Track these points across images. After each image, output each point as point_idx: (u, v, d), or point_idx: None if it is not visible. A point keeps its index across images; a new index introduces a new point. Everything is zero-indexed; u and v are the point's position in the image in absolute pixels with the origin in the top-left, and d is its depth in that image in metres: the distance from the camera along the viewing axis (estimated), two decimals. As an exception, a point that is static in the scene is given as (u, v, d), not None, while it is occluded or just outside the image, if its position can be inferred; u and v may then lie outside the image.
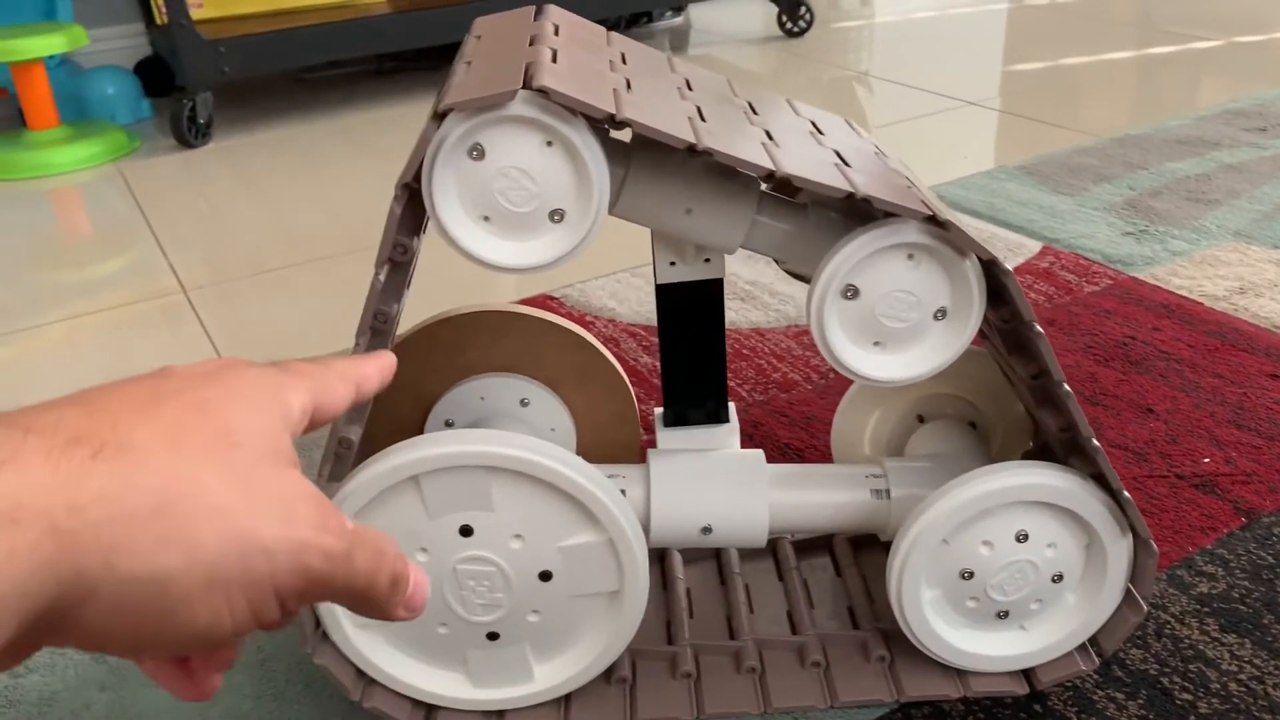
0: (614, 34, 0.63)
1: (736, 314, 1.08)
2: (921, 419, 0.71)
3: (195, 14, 1.83)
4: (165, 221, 1.46)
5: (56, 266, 1.33)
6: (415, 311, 1.12)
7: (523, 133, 0.49)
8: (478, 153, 0.49)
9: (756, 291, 1.13)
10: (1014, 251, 1.18)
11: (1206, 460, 0.81)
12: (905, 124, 1.68)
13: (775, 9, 2.28)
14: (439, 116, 0.48)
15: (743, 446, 0.86)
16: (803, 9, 2.24)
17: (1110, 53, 2.03)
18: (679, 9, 2.51)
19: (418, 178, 0.49)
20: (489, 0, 1.90)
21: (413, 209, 0.51)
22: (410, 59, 2.17)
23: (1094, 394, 0.90)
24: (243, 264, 1.30)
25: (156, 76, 2.06)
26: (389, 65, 2.18)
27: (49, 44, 1.66)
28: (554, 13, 0.60)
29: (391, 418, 0.71)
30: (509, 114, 0.48)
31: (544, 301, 1.13)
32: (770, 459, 0.85)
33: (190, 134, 1.75)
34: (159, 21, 1.81)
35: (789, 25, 2.27)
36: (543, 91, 0.47)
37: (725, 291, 1.12)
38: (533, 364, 0.70)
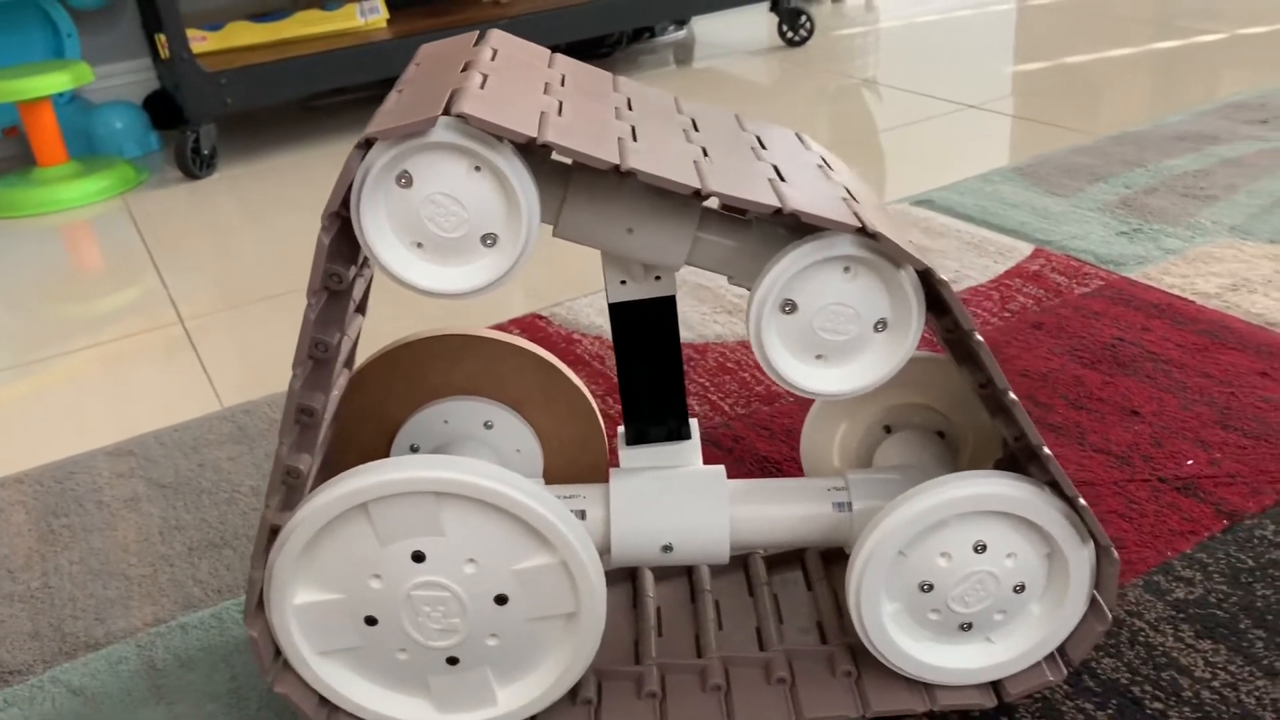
0: (559, 56, 0.63)
1: (723, 327, 1.08)
2: (889, 429, 0.71)
3: (198, 47, 1.86)
4: (167, 253, 1.48)
5: (60, 301, 1.35)
6: (398, 332, 1.13)
7: (449, 159, 0.49)
8: (405, 180, 0.49)
9: (744, 304, 1.12)
10: (1005, 255, 1.17)
11: (1190, 462, 0.80)
12: (904, 129, 1.68)
13: (776, 19, 2.28)
14: (364, 145, 0.48)
15: (718, 461, 0.87)
16: (803, 18, 2.24)
17: (1115, 49, 2.01)
18: (681, 23, 2.52)
19: (346, 205, 0.50)
20: (486, 23, 1.92)
21: (345, 237, 0.51)
22: (414, 83, 2.19)
23: (1079, 398, 0.89)
24: (242, 292, 1.32)
25: (165, 110, 2.09)
26: (393, 90, 2.20)
27: (54, 82, 1.69)
28: (495, 37, 0.61)
29: (357, 444, 0.71)
30: (433, 140, 0.48)
31: (532, 320, 1.13)
32: (748, 474, 0.85)
33: (194, 165, 1.77)
34: (163, 56, 1.84)
35: (790, 34, 2.27)
36: (463, 117, 0.47)
37: (714, 305, 1.12)
38: (495, 386, 0.70)
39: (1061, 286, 1.08)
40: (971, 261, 1.16)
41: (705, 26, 2.57)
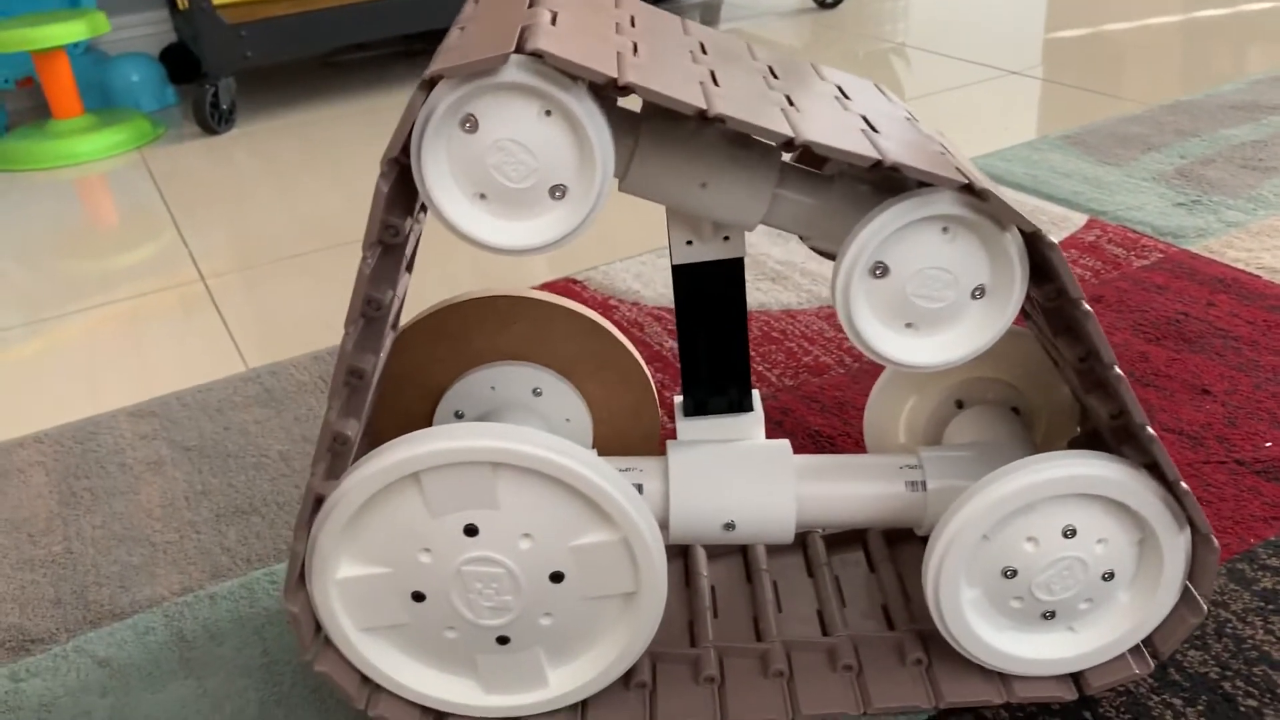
0: (624, -3, 0.59)
1: (766, 295, 1.04)
2: (960, 404, 0.67)
3: (217, -2, 1.81)
4: (186, 209, 1.44)
5: (76, 256, 1.32)
6: (430, 294, 1.09)
7: (518, 101, 0.45)
8: (470, 124, 0.45)
9: (788, 271, 1.08)
10: (1058, 225, 1.12)
11: (1269, 445, 0.76)
12: (943, 95, 1.62)
13: (808, -20, 2.22)
14: (427, 85, 0.44)
15: (770, 435, 0.83)
16: (836, -20, 2.18)
17: (1158, 17, 1.95)
18: (709, -17, 2.46)
19: (406, 152, 0.46)
20: (513, -23, 1.86)
21: (403, 187, 0.47)
22: (439, 39, 2.14)
23: (1145, 375, 0.85)
24: (263, 251, 1.28)
25: (182, 63, 2.04)
26: (417, 46, 2.15)
27: (70, 31, 1.64)
28: (558, -25, 0.56)
29: (399, 410, 0.68)
30: (502, 81, 0.44)
31: (566, 285, 1.09)
32: (800, 448, 0.81)
33: (213, 120, 1.73)
34: (181, 7, 1.79)
35: (822, -3, 2.21)
36: (538, 55, 0.43)
37: (755, 271, 1.08)
38: (545, 351, 0.66)
39: (1119, 258, 1.04)
40: (1023, 231, 1.11)
41: (733, -12, 2.51)
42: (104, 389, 1.00)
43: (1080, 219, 1.13)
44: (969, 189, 0.46)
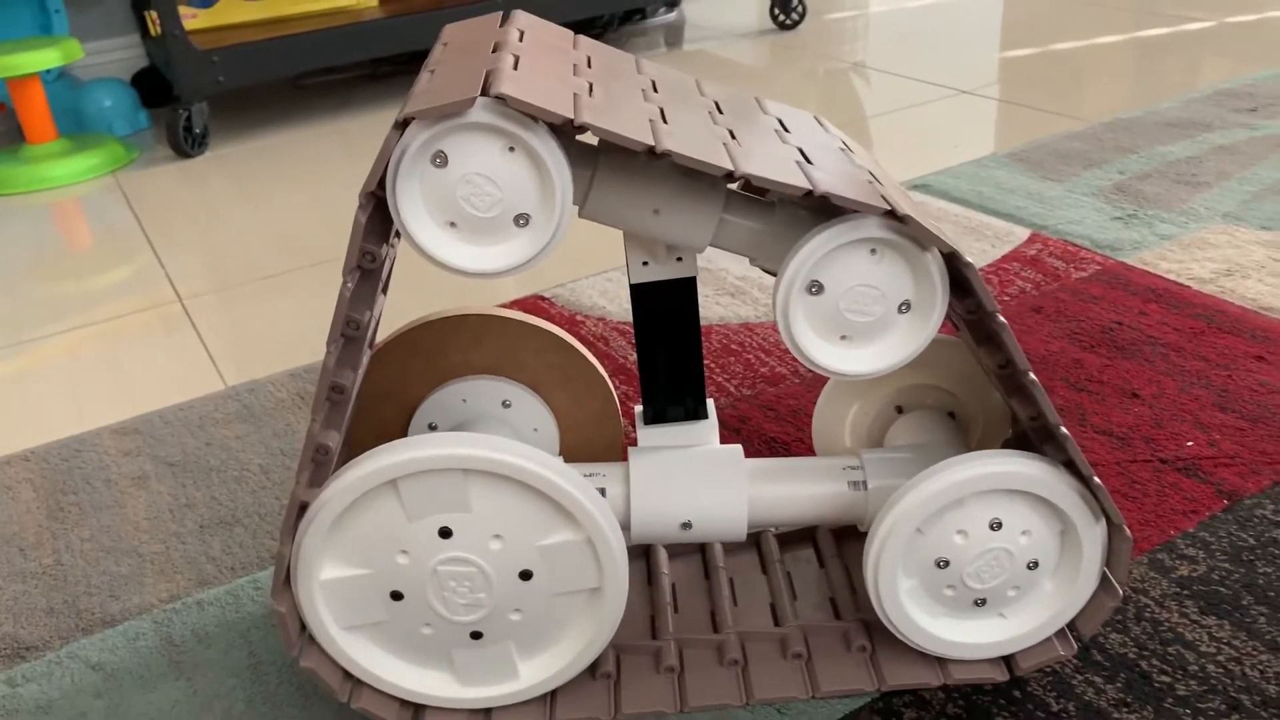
0: (581, 37, 0.63)
1: (725, 309, 1.09)
2: (900, 410, 0.72)
3: (189, 24, 1.85)
4: (162, 232, 1.47)
5: (55, 279, 1.35)
6: (407, 313, 1.13)
7: (484, 139, 0.49)
8: (441, 160, 0.50)
9: (746, 286, 1.13)
10: (1002, 239, 1.18)
11: (1190, 444, 0.81)
12: (897, 114, 1.69)
13: (768, 2, 2.28)
14: (401, 125, 0.49)
15: (727, 442, 0.88)
16: (795, 1, 2.24)
17: (1103, 36, 2.02)
18: (673, 4, 2.52)
19: (382, 185, 0.50)
20: (480, 5, 1.91)
21: (379, 217, 0.52)
22: (404, 62, 2.18)
23: (1080, 380, 0.91)
24: (240, 271, 1.32)
25: (154, 87, 2.07)
26: (384, 69, 2.19)
27: (44, 59, 1.67)
28: (520, 18, 0.61)
29: (375, 423, 0.72)
30: (469, 121, 0.48)
31: (535, 302, 1.14)
32: (757, 454, 0.86)
33: (187, 144, 1.76)
34: (153, 33, 1.83)
35: (782, 18, 2.27)
36: (501, 99, 0.48)
37: (715, 287, 1.13)
38: (513, 366, 0.71)
39: (1059, 271, 1.10)
40: (969, 246, 1.17)
41: (696, 9, 2.57)
42: (88, 408, 1.03)
43: (1023, 233, 1.19)
44: (892, 214, 0.51)
